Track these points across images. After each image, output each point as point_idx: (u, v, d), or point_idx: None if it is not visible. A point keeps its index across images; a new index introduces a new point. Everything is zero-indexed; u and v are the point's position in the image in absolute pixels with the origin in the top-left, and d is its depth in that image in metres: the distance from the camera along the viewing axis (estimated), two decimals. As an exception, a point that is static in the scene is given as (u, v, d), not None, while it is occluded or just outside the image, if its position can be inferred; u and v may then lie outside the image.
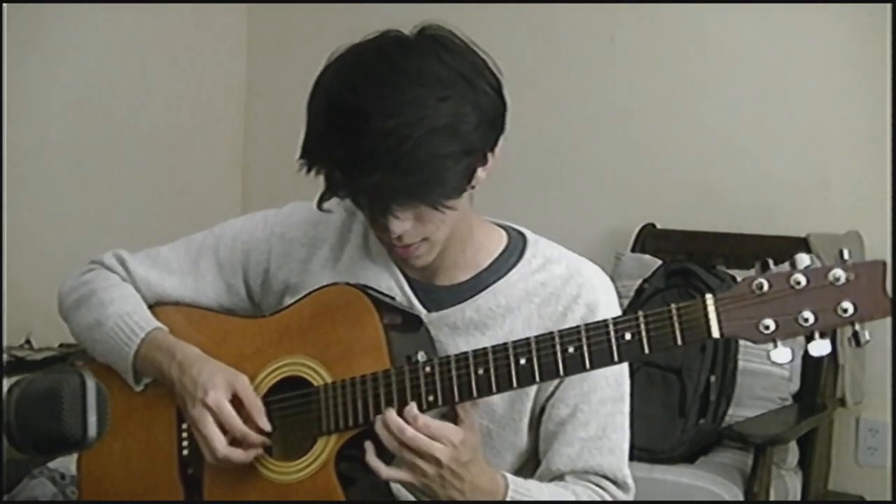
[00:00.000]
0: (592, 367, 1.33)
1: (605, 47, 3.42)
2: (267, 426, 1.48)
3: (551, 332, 1.35)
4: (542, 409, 1.51)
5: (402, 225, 1.40)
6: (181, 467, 1.56)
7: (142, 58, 3.63)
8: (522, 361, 1.35)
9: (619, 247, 3.28)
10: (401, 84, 1.34)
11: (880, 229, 2.86)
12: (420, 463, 1.36)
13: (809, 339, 1.25)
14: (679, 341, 1.28)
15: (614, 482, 1.50)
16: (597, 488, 1.49)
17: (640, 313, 1.30)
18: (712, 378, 2.74)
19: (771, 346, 1.26)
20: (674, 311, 1.29)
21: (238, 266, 1.63)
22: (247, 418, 1.47)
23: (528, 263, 1.53)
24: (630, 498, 1.51)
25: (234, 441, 1.47)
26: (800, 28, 3.14)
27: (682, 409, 2.71)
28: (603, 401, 1.50)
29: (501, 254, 1.54)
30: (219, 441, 1.46)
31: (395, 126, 1.32)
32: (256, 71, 4.05)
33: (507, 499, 1.41)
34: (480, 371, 1.36)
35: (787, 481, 2.81)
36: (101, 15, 3.47)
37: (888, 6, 2.89)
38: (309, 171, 1.42)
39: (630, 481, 1.52)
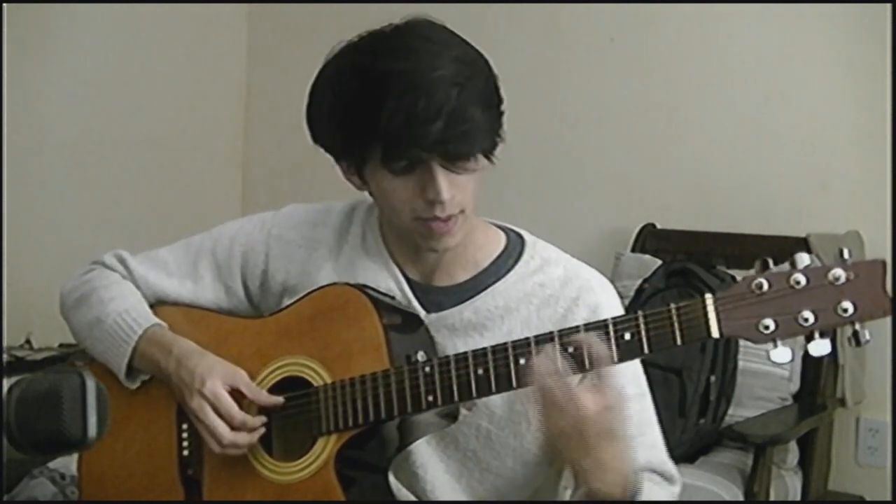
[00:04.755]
0: (592, 367, 1.33)
1: (605, 47, 3.42)
2: (276, 400, 1.48)
3: (551, 332, 1.34)
4: None
5: (446, 191, 1.40)
6: (181, 468, 1.56)
7: (142, 58, 3.64)
8: (522, 361, 1.34)
9: (619, 247, 3.27)
10: (426, 46, 1.39)
11: (880, 229, 2.86)
12: (564, 407, 1.28)
13: (809, 338, 1.25)
14: (679, 341, 1.28)
15: (662, 475, 1.46)
16: (650, 484, 1.44)
17: (640, 313, 1.30)
18: (712, 378, 2.74)
19: (771, 346, 1.26)
20: (673, 311, 1.28)
21: (236, 268, 1.63)
22: (248, 406, 1.48)
23: (527, 265, 1.53)
24: (679, 489, 1.47)
25: (235, 428, 1.47)
26: (799, 28, 3.14)
27: (682, 409, 2.71)
28: (629, 398, 1.47)
29: (500, 255, 1.54)
30: (223, 428, 1.47)
31: (442, 77, 1.36)
32: (256, 71, 4.06)
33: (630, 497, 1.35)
34: (480, 371, 1.36)
35: (787, 481, 2.81)
36: (102, 15, 3.47)
37: (888, 6, 2.89)
38: (347, 155, 1.44)
39: (675, 472, 1.49)
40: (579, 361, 1.31)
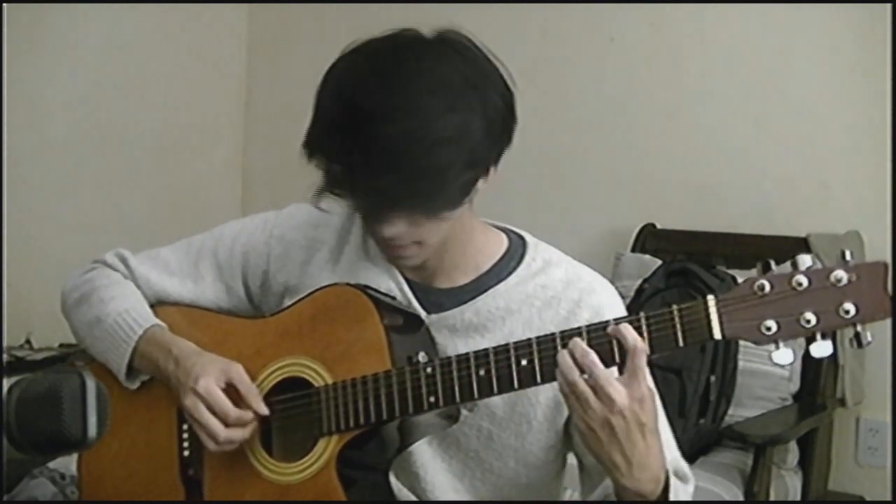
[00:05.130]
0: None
1: (605, 47, 3.42)
2: (264, 410, 1.48)
3: (552, 333, 1.34)
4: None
5: (393, 229, 1.39)
6: (182, 468, 1.56)
7: (142, 58, 3.64)
8: (524, 362, 1.34)
9: (619, 247, 3.27)
10: (412, 91, 1.33)
11: (880, 229, 2.86)
12: (592, 400, 1.28)
13: (811, 340, 1.25)
14: (681, 342, 1.28)
15: (676, 474, 1.43)
16: (676, 481, 1.42)
17: (642, 314, 1.30)
18: (712, 378, 2.74)
19: (773, 347, 1.26)
20: (675, 313, 1.28)
21: (237, 268, 1.63)
22: (243, 405, 1.47)
23: (528, 267, 1.53)
24: (693, 488, 1.46)
25: (230, 425, 1.47)
26: (800, 28, 3.14)
27: (682, 409, 2.71)
28: None
29: (502, 257, 1.54)
30: (217, 425, 1.46)
31: (404, 133, 1.31)
32: (256, 71, 4.06)
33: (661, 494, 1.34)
34: (482, 372, 1.36)
35: (787, 481, 2.81)
36: (102, 15, 3.47)
37: (888, 6, 2.89)
38: (309, 159, 1.41)
39: (689, 471, 1.48)
40: (607, 355, 1.30)
